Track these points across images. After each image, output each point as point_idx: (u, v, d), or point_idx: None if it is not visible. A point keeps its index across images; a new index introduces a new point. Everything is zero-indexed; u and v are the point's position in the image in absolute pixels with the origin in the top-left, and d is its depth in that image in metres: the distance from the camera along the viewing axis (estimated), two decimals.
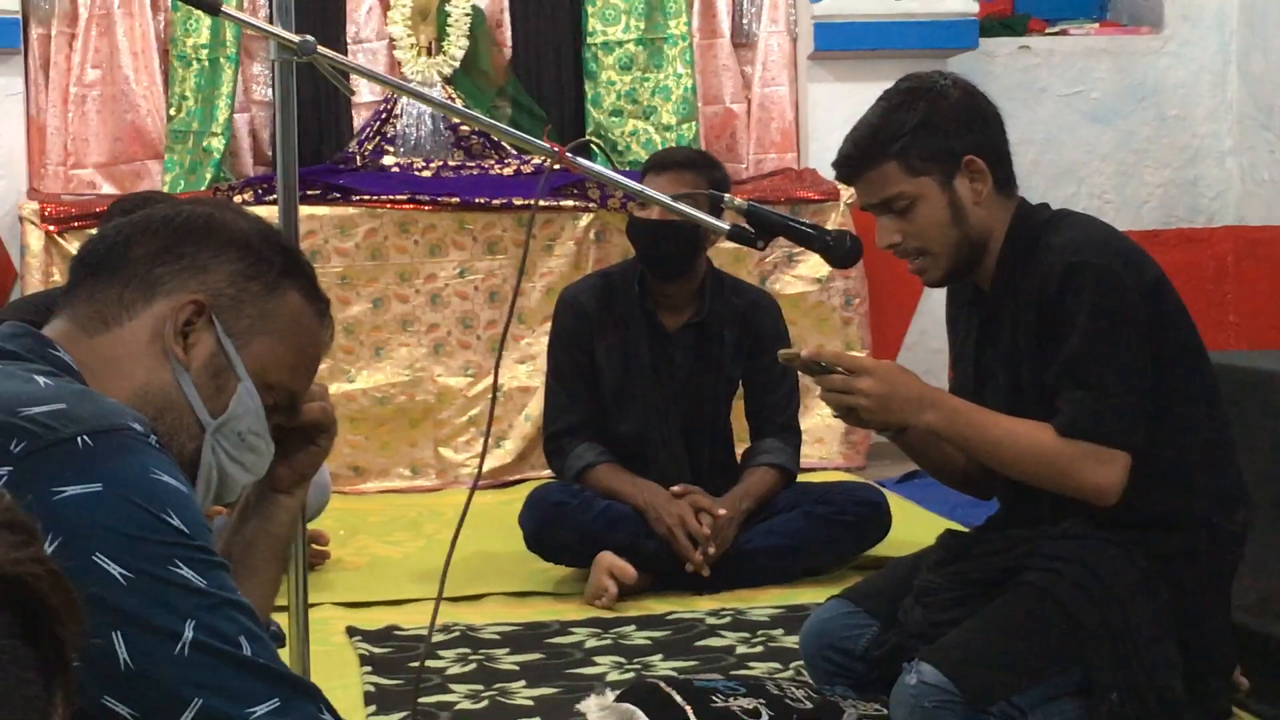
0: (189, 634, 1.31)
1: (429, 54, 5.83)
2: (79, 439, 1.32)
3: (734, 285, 4.15)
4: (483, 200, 5.39)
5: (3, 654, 0.79)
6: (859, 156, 2.59)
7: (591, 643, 3.41)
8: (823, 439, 5.49)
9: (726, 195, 2.38)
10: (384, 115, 5.82)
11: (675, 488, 3.89)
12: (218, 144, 5.63)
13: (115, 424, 1.35)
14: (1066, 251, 2.50)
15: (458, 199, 5.39)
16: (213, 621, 1.33)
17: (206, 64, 5.65)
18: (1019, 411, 2.56)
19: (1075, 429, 2.47)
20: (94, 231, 2.88)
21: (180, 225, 1.59)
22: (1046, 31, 6.42)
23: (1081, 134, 6.33)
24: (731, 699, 2.64)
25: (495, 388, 2.37)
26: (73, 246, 5.02)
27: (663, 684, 2.72)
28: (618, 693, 2.81)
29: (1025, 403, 2.57)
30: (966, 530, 2.85)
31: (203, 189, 5.50)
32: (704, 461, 4.04)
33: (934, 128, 2.54)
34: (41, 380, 1.39)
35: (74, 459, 1.31)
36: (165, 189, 5.54)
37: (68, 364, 1.48)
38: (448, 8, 5.81)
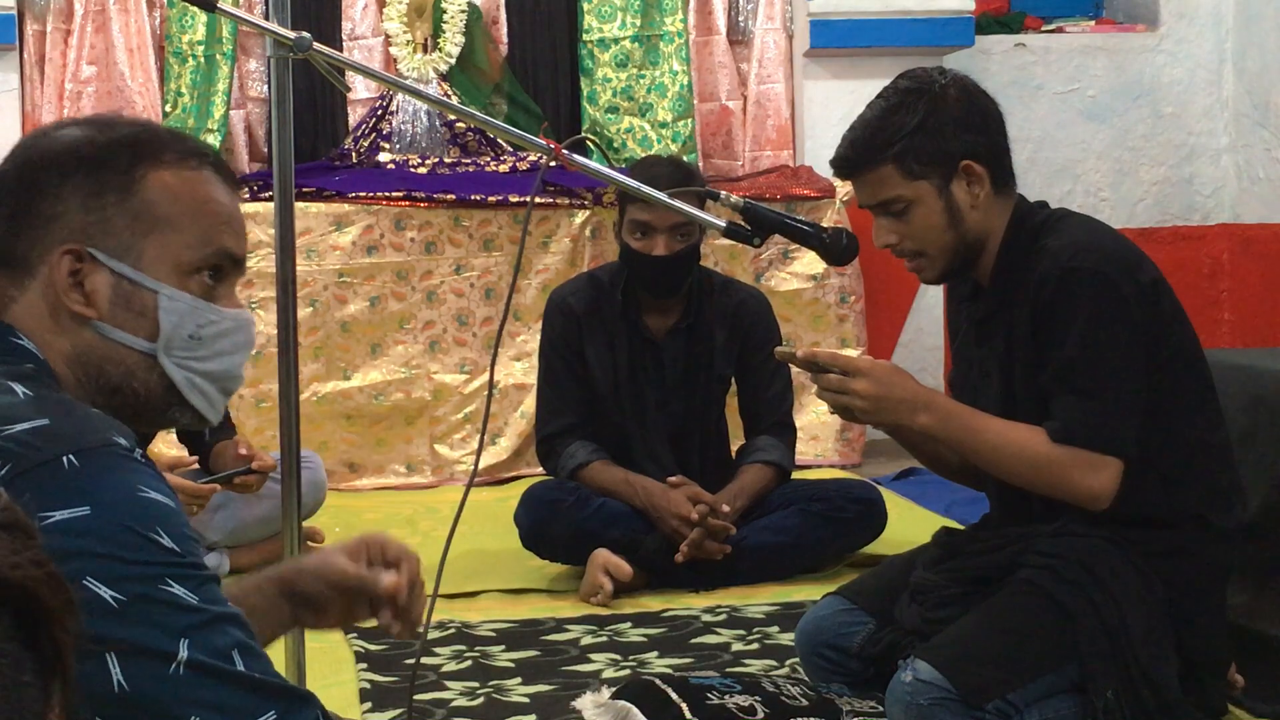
0: (183, 653, 1.30)
1: (425, 51, 5.83)
2: (64, 459, 1.29)
3: (723, 284, 4.13)
4: (478, 197, 5.39)
5: (1, 658, 0.79)
6: (856, 158, 2.58)
7: (587, 640, 3.41)
8: (818, 436, 5.49)
9: (723, 193, 2.38)
10: (380, 112, 5.81)
11: (672, 479, 3.88)
12: (213, 141, 5.62)
13: (100, 440, 1.33)
14: (1063, 256, 2.50)
15: (453, 196, 5.39)
16: (206, 638, 1.31)
17: (202, 60, 5.65)
18: (1011, 409, 2.56)
19: (1068, 435, 2.48)
20: None
21: (12, 184, 1.49)
22: (1042, 29, 6.42)
23: (1077, 131, 6.33)
24: (727, 696, 2.64)
25: (491, 385, 2.36)
26: None
27: (658, 681, 2.72)
28: (613, 690, 2.81)
29: (1018, 401, 2.57)
30: (962, 528, 2.85)
31: None
32: (694, 464, 4.03)
33: (932, 131, 2.54)
34: (20, 390, 1.36)
35: (60, 481, 1.28)
36: None
37: (32, 352, 1.45)
38: (443, 4, 5.80)
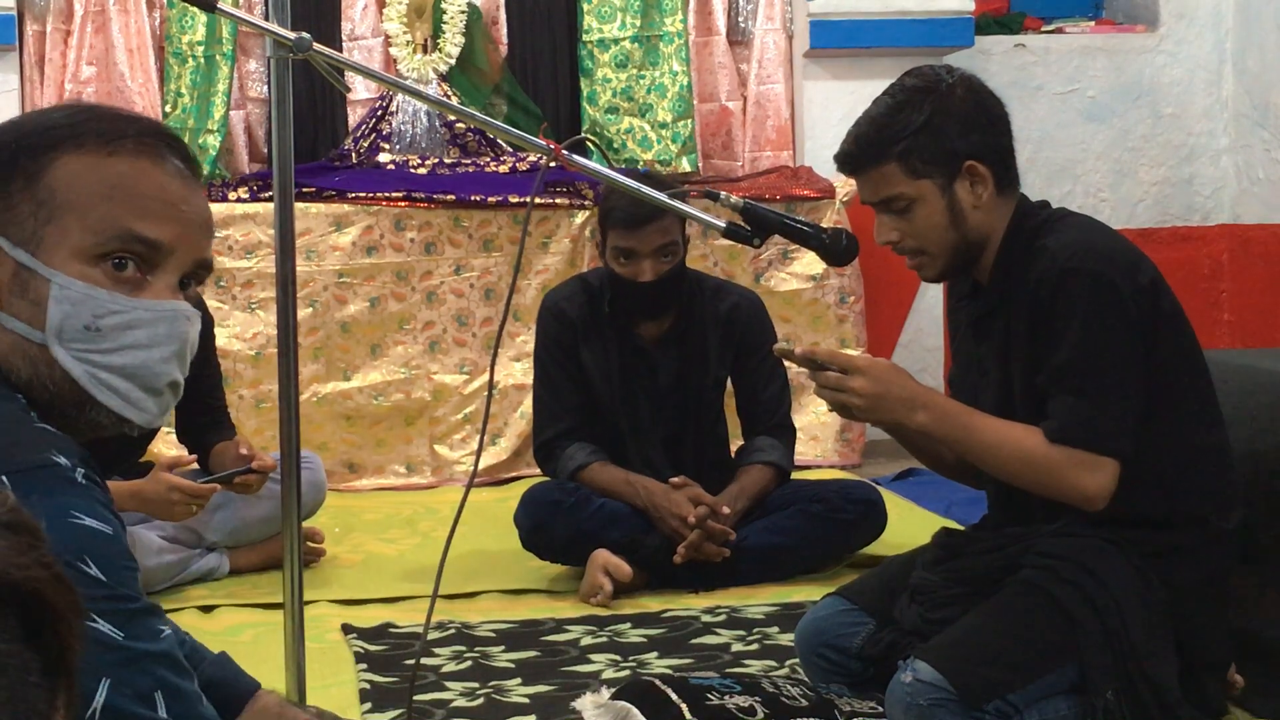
0: (100, 698, 1.26)
1: (425, 51, 5.83)
2: None
3: (715, 288, 4.12)
4: (478, 198, 5.39)
5: (7, 659, 0.79)
6: (860, 155, 2.58)
7: (587, 640, 3.41)
8: (818, 436, 5.49)
9: (722, 193, 2.38)
10: (379, 112, 5.81)
11: (674, 479, 3.88)
12: (213, 141, 5.63)
13: (36, 461, 1.29)
14: (1061, 256, 2.50)
15: (453, 196, 5.39)
16: (128, 678, 1.28)
17: (202, 61, 5.65)
18: (1009, 408, 2.57)
19: (1065, 435, 2.47)
20: None
21: None
22: (1042, 29, 6.42)
23: (1077, 132, 6.33)
24: (727, 697, 2.64)
25: (491, 385, 2.36)
26: None
27: (658, 682, 2.72)
28: (613, 690, 2.81)
29: (1015, 400, 2.58)
30: (962, 528, 2.85)
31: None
32: (689, 468, 4.01)
33: (937, 130, 2.53)
34: None
35: None
36: None
37: None
38: (443, 5, 5.80)
